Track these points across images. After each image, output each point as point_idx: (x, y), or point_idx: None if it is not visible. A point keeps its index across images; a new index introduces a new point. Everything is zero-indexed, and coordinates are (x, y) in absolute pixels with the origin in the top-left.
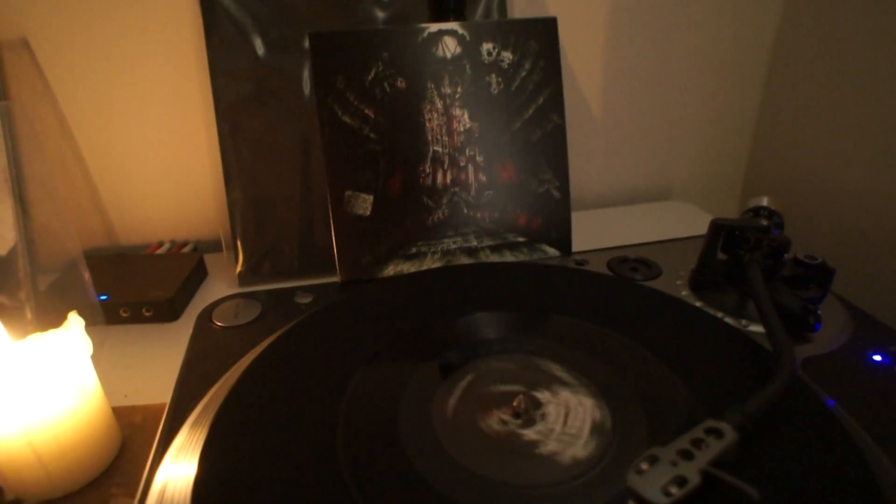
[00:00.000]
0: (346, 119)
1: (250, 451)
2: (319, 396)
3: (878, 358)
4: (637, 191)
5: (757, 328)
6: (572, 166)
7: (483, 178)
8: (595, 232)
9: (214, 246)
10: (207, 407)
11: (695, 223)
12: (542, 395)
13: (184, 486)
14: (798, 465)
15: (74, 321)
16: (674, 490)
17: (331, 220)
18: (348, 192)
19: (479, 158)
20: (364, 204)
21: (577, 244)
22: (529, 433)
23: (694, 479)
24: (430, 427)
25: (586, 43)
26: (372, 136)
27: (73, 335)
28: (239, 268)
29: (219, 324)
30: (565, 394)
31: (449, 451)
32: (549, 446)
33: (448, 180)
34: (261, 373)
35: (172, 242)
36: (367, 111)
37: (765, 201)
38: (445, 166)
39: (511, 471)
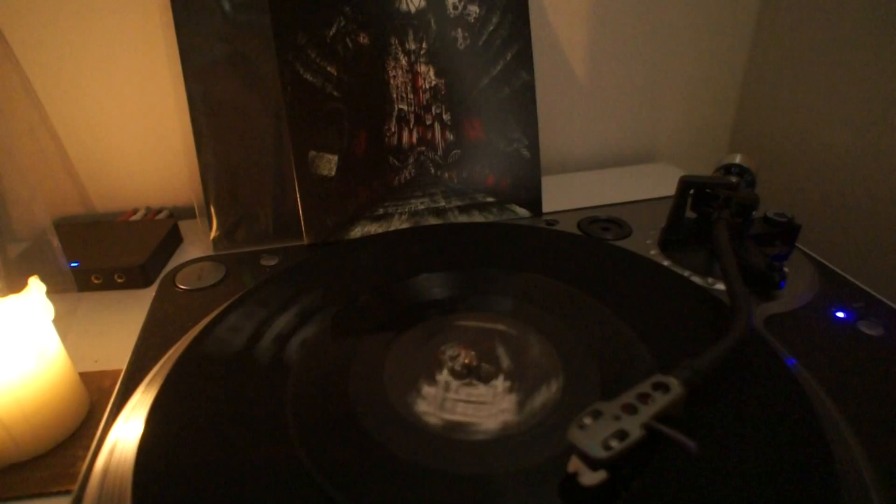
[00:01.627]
0: (309, 77)
1: (198, 413)
2: (271, 359)
3: (840, 315)
4: (621, 153)
5: (723, 286)
6: (555, 128)
7: (450, 136)
8: (571, 193)
9: (190, 212)
10: (162, 368)
11: (673, 186)
12: (496, 352)
13: (132, 447)
14: (750, 422)
15: (35, 286)
16: (614, 443)
17: (295, 181)
18: (312, 153)
19: (445, 117)
20: (328, 164)
21: (552, 205)
22: (480, 390)
23: (635, 433)
24: (382, 388)
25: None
26: (335, 94)
27: (32, 300)
28: (213, 233)
29: (182, 287)
30: (519, 351)
31: (399, 412)
32: (500, 402)
33: (414, 139)
34: (214, 335)
35: (147, 209)
36: (329, 68)
37: (737, 159)
38: (411, 125)
39: (462, 427)
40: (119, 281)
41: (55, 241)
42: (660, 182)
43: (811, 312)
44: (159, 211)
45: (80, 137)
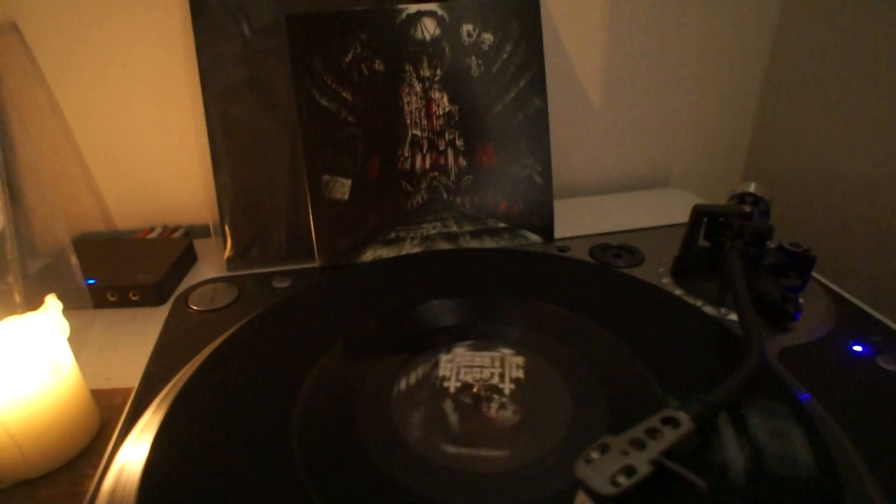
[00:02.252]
0: (324, 102)
1: (204, 437)
2: (280, 383)
3: (858, 348)
4: (634, 178)
5: (736, 317)
6: (568, 153)
7: (463, 162)
8: (584, 218)
9: (206, 231)
10: (172, 390)
11: (686, 213)
12: (504, 383)
13: (138, 469)
14: (760, 458)
15: (52, 304)
16: (621, 479)
17: (309, 204)
18: (326, 177)
19: (458, 142)
20: (342, 188)
21: (565, 230)
22: (488, 420)
23: (643, 469)
24: (389, 417)
25: (583, 26)
26: (350, 119)
27: (48, 317)
28: (227, 253)
29: (195, 308)
30: (528, 382)
31: (406, 439)
32: (506, 434)
33: (427, 164)
34: (224, 358)
35: (164, 227)
36: (344, 94)
37: (751, 188)
38: (424, 150)
39: (468, 458)
40: (134, 298)
41: (73, 259)
42: (673, 208)
43: (827, 346)
44: (176, 229)
45: (102, 156)
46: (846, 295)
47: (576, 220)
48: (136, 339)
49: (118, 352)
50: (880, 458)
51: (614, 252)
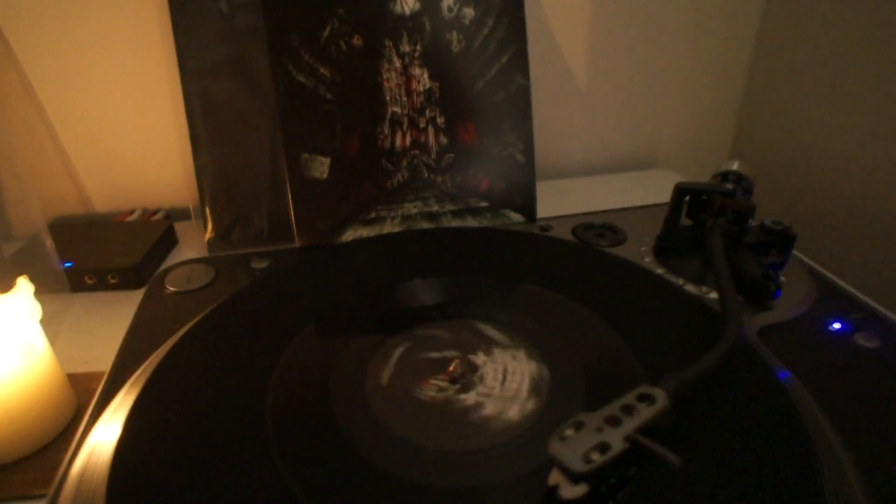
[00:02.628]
0: (301, 78)
1: (178, 418)
2: (253, 364)
3: (837, 326)
4: (620, 158)
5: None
6: (552, 133)
7: (444, 140)
8: (567, 199)
9: (186, 214)
10: (145, 371)
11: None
12: (481, 361)
13: (108, 451)
14: (738, 436)
15: (23, 286)
16: (595, 456)
17: (287, 183)
18: (304, 155)
19: (439, 120)
20: (321, 167)
21: (547, 210)
22: (464, 398)
23: (617, 446)
24: (364, 395)
25: (568, 2)
26: (328, 96)
27: (19, 300)
28: (208, 235)
29: (171, 288)
30: (505, 360)
31: (380, 419)
32: (484, 412)
33: (407, 142)
34: (199, 338)
35: (144, 210)
36: (322, 70)
37: (734, 166)
38: (405, 128)
39: (443, 437)
40: (112, 282)
41: (49, 241)
42: (659, 188)
43: (806, 323)
44: (156, 212)
45: (79, 137)
46: (826, 273)
47: (559, 201)
48: (113, 322)
49: (96, 335)
50: (857, 435)
51: (597, 231)
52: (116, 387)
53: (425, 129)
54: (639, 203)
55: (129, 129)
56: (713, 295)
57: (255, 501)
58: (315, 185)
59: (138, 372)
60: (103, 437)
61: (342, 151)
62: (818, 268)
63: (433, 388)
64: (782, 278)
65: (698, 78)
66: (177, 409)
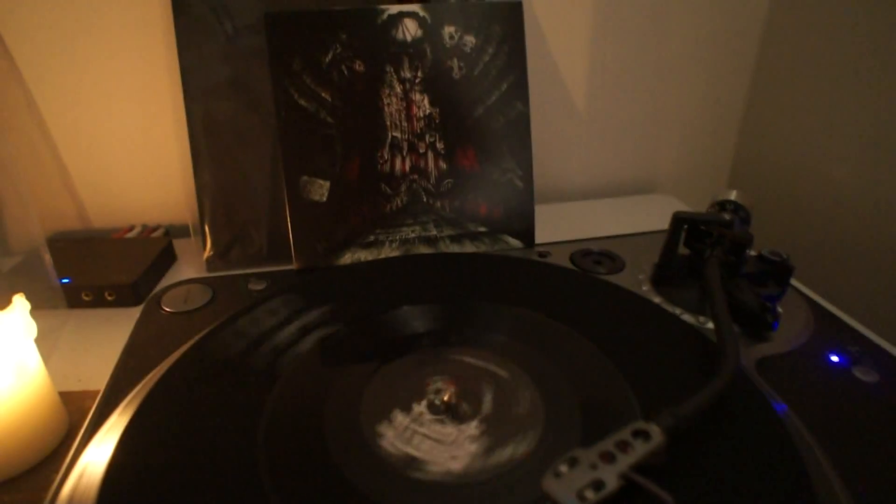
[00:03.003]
0: (303, 102)
1: (170, 442)
2: (248, 389)
3: (835, 359)
4: (619, 183)
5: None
6: (552, 157)
7: (443, 165)
8: (565, 224)
9: (186, 231)
10: (139, 393)
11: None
12: (476, 390)
13: (99, 474)
14: (735, 470)
15: (19, 303)
16: (589, 494)
17: (286, 205)
18: (304, 178)
19: (439, 145)
20: (320, 190)
21: (545, 236)
22: (459, 429)
23: (611, 484)
24: (359, 425)
25: (568, 29)
26: (329, 120)
27: (15, 317)
28: (207, 253)
29: (167, 309)
30: (501, 390)
31: (374, 449)
32: (478, 444)
33: (407, 167)
34: (194, 361)
35: (144, 226)
36: (323, 94)
37: (732, 195)
38: (404, 153)
39: (437, 469)
40: (109, 298)
41: (47, 257)
42: (658, 214)
43: (805, 356)
44: (155, 228)
45: (80, 154)
46: (824, 304)
47: (558, 226)
48: (110, 340)
49: (91, 353)
50: (855, 470)
51: (595, 258)
52: (110, 408)
53: (425, 154)
54: (638, 230)
55: (131, 146)
56: (710, 325)
57: None
58: (314, 207)
59: (132, 393)
60: (95, 459)
61: (342, 175)
62: (816, 298)
63: (428, 418)
64: (780, 309)
65: (698, 103)
66: (170, 432)
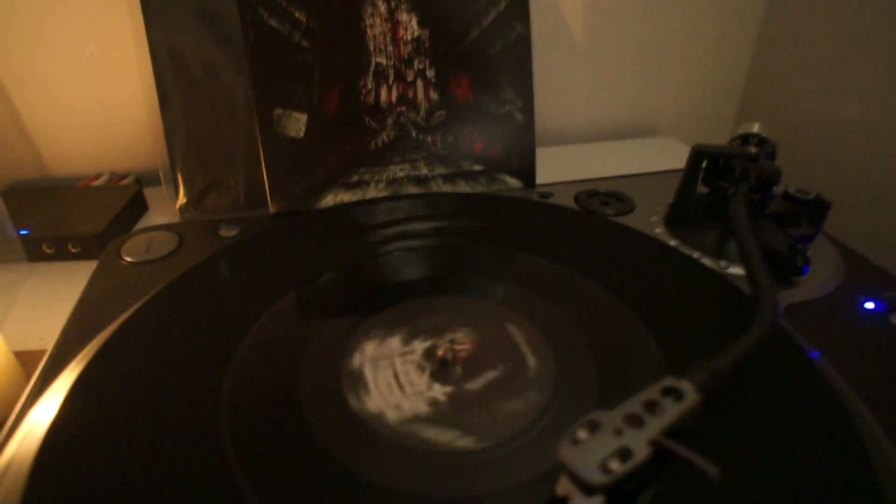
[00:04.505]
0: (274, 23)
1: (120, 403)
2: (212, 345)
3: (870, 305)
4: (621, 125)
5: (737, 270)
6: (550, 97)
7: (434, 95)
8: (567, 165)
9: (158, 179)
10: (91, 349)
11: (680, 160)
12: (473, 344)
13: (39, 436)
14: (772, 428)
15: None
16: (614, 465)
17: (259, 142)
18: (278, 111)
19: (429, 73)
20: (296, 124)
21: (547, 176)
22: (453, 389)
23: (641, 453)
24: (338, 386)
25: None
26: (304, 44)
27: None
28: (179, 201)
29: (127, 259)
30: (502, 344)
31: (357, 415)
32: (476, 406)
33: (393, 97)
34: (153, 314)
35: (112, 174)
36: (297, 14)
37: (755, 128)
38: (390, 81)
39: (428, 437)
40: (73, 251)
41: (2, 207)
42: (663, 156)
43: (837, 302)
44: (124, 176)
45: (33, 95)
46: (855, 249)
47: (559, 167)
48: (73, 295)
49: (53, 309)
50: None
51: (602, 199)
52: (57, 369)
53: (413, 83)
54: (645, 170)
55: (89, 85)
56: (732, 269)
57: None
58: (290, 144)
59: (84, 350)
60: (38, 420)
61: (320, 107)
62: (846, 244)
63: (418, 377)
64: (809, 253)
65: (705, 40)
66: (122, 390)
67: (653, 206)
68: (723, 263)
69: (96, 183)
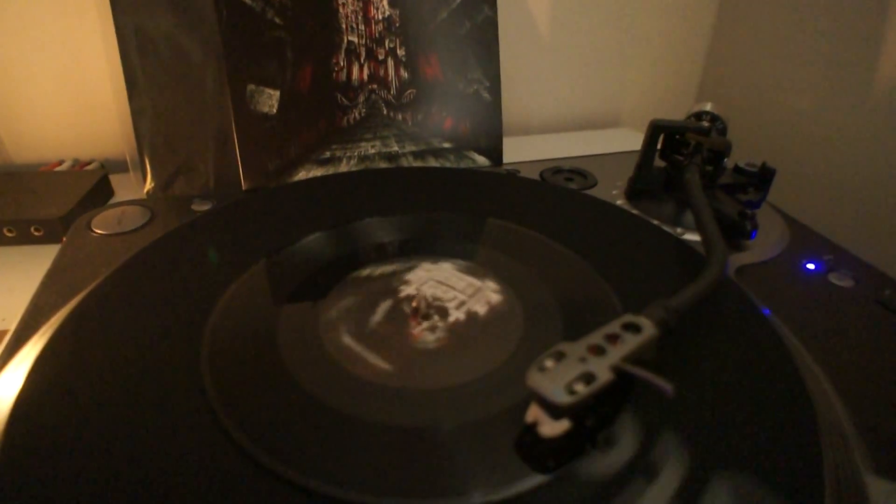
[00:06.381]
0: (247, 0)
1: (94, 367)
2: (188, 307)
3: (811, 266)
4: (585, 117)
5: (693, 237)
6: (515, 87)
7: (405, 74)
8: (532, 149)
9: (124, 166)
10: (60, 318)
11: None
12: (445, 296)
13: (7, 406)
14: (724, 370)
15: None
16: (579, 388)
17: (232, 118)
18: (251, 86)
19: (399, 52)
20: (269, 100)
21: (512, 157)
22: (427, 334)
23: (603, 376)
24: (316, 335)
25: None
26: (277, 20)
27: None
28: (147, 186)
29: (98, 231)
30: (471, 294)
31: (335, 357)
32: (448, 348)
33: (365, 76)
34: (125, 281)
35: (76, 161)
36: None
37: (708, 106)
38: (362, 59)
39: (405, 375)
40: (36, 234)
41: None
42: (625, 144)
43: (782, 264)
44: (88, 163)
45: None
46: (797, 218)
47: (524, 151)
48: (37, 278)
49: (14, 293)
50: (839, 369)
51: (566, 175)
52: (25, 339)
53: (384, 62)
54: (607, 151)
55: (53, 68)
56: (687, 237)
57: (190, 453)
58: (263, 120)
59: (53, 319)
60: (4, 393)
61: (293, 84)
62: (789, 214)
63: (393, 324)
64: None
65: (663, 34)
66: (94, 356)
67: (614, 181)
68: (679, 230)
69: (59, 168)
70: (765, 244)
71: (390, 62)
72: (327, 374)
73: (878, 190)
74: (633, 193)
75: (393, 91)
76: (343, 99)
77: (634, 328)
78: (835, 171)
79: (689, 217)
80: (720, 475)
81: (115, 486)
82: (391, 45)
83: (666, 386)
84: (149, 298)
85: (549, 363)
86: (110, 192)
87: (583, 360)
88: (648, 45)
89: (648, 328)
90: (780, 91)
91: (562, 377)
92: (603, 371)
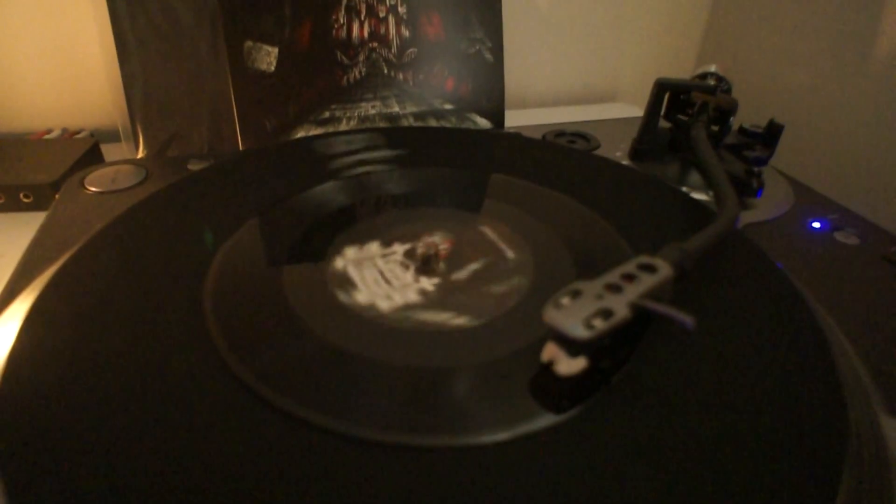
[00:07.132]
0: None
1: (91, 317)
2: (189, 254)
3: (816, 225)
4: (582, 92)
5: (699, 196)
6: (514, 63)
7: (406, 32)
8: (533, 116)
9: (115, 136)
10: (59, 264)
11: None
12: (453, 242)
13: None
14: (739, 316)
15: None
16: (597, 323)
17: (229, 76)
18: (249, 43)
19: (401, 9)
20: (267, 57)
21: (512, 121)
22: (436, 280)
23: (621, 312)
24: (323, 281)
25: None
26: None
27: None
28: (140, 154)
29: (92, 189)
30: (480, 239)
31: (346, 305)
32: (465, 290)
33: (365, 33)
34: (120, 234)
35: (64, 130)
36: None
37: (713, 67)
38: (362, 17)
39: (423, 319)
40: (26, 201)
41: None
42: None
43: (788, 223)
44: (78, 132)
45: None
46: (801, 181)
47: (525, 117)
48: (23, 246)
49: (4, 259)
50: (850, 320)
51: (568, 138)
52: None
53: (385, 19)
54: (608, 117)
55: (41, 34)
56: (694, 195)
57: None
58: (261, 78)
59: (46, 273)
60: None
61: (292, 41)
62: (793, 177)
63: (403, 273)
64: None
65: (661, 11)
66: (90, 307)
67: (617, 144)
68: (685, 190)
69: (48, 136)
70: (770, 204)
71: (391, 20)
72: (343, 322)
73: (881, 156)
74: (636, 154)
75: (394, 50)
76: (343, 57)
77: (650, 268)
78: (837, 140)
79: (693, 177)
80: (744, 420)
81: (117, 435)
82: (392, 3)
83: (687, 319)
84: (149, 247)
85: (565, 300)
86: (101, 160)
87: (600, 297)
88: (646, 19)
89: (664, 268)
90: (780, 63)
91: (579, 312)
92: (621, 307)
